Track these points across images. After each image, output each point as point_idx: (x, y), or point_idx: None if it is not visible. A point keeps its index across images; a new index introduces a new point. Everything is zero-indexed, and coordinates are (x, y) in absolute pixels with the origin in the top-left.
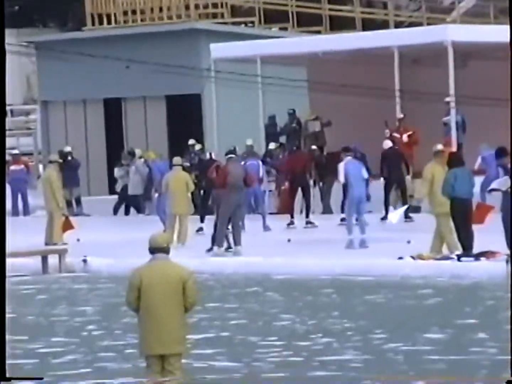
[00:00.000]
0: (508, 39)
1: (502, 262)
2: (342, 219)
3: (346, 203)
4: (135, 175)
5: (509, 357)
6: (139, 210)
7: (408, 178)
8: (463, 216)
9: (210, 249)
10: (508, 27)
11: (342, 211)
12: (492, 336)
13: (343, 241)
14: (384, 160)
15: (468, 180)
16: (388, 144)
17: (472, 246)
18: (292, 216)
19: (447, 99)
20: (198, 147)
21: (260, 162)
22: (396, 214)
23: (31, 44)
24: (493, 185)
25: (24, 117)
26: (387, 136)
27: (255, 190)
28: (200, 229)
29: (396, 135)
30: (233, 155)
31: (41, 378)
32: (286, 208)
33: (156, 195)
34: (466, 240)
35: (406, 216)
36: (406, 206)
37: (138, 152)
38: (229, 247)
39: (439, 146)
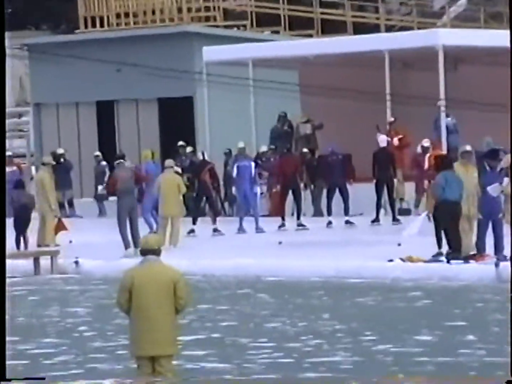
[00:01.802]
0: (497, 44)
1: (491, 265)
2: (329, 223)
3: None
4: None
5: (498, 359)
6: None
7: (395, 180)
8: (451, 219)
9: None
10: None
11: (329, 213)
12: (481, 338)
13: (334, 243)
14: (375, 162)
15: (457, 184)
16: (383, 139)
17: (460, 249)
18: (283, 219)
19: (438, 103)
20: (189, 149)
21: (253, 163)
22: (414, 227)
23: (24, 46)
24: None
25: (16, 119)
26: (378, 138)
27: (246, 191)
28: (192, 231)
29: (387, 138)
30: (121, 160)
31: (43, 378)
32: (278, 210)
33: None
34: (454, 242)
35: (394, 218)
36: (423, 216)
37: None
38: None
39: (468, 147)
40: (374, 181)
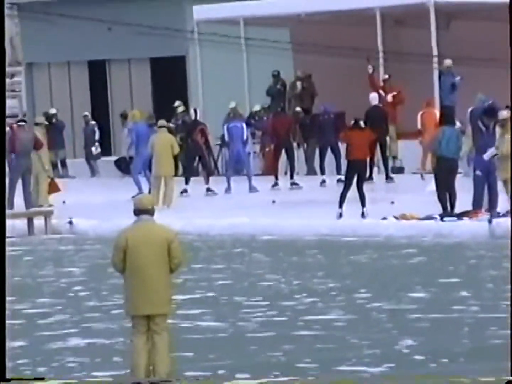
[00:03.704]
0: None
1: (484, 222)
2: (323, 181)
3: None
4: (127, 137)
5: (491, 315)
6: (128, 172)
7: (388, 138)
8: (445, 175)
9: None
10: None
11: (322, 172)
12: (474, 295)
13: (328, 202)
14: (367, 120)
15: (455, 140)
16: (375, 97)
17: (454, 206)
18: (276, 178)
19: (447, 61)
20: (181, 109)
21: (244, 124)
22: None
23: (14, 5)
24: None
25: (8, 79)
26: (370, 71)
27: (239, 152)
28: (185, 191)
29: (381, 92)
30: (22, 122)
31: (42, 379)
32: (271, 169)
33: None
34: (444, 200)
35: (388, 177)
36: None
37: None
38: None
39: (505, 113)
40: None
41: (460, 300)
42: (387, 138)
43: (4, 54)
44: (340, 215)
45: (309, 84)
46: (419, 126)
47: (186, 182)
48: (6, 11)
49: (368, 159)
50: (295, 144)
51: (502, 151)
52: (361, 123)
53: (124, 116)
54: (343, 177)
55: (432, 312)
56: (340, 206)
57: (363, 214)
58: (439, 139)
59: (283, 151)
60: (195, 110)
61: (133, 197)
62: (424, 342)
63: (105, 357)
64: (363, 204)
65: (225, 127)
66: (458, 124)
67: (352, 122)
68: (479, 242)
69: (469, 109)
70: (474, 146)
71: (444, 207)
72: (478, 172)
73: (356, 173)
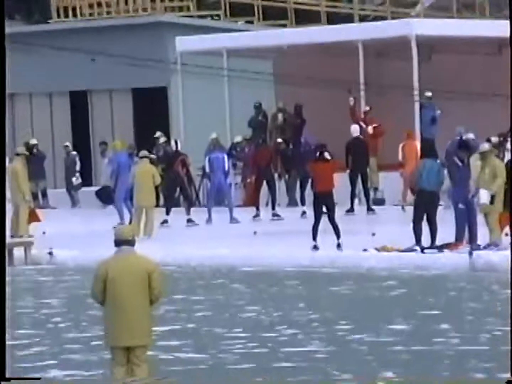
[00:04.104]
0: (470, 33)
1: (465, 254)
2: (303, 212)
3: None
4: (107, 166)
5: (472, 348)
6: (109, 202)
7: (369, 170)
8: (425, 207)
9: None
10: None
11: (303, 203)
12: (455, 327)
13: (308, 233)
14: (349, 151)
15: (436, 173)
16: (356, 129)
17: (435, 238)
18: (257, 209)
19: (427, 93)
20: (163, 139)
21: (225, 156)
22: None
23: None
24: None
25: None
26: (351, 103)
27: (220, 183)
28: (165, 221)
29: (362, 124)
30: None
31: (39, 378)
32: (252, 200)
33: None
34: (418, 232)
35: (369, 208)
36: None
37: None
38: None
39: (486, 146)
40: (348, 171)
41: (441, 332)
42: (368, 170)
43: (4, 53)
44: (315, 247)
45: (296, 115)
46: (400, 158)
47: (167, 213)
48: None
49: (333, 191)
50: (276, 176)
51: (481, 184)
52: (326, 155)
53: (104, 144)
54: (305, 209)
55: (413, 344)
56: (314, 239)
57: (339, 245)
58: (420, 171)
59: (264, 183)
60: (176, 141)
61: (114, 227)
62: (405, 374)
63: None
64: (337, 235)
65: (207, 158)
66: (439, 111)
67: (318, 154)
68: (460, 274)
69: (448, 143)
70: (450, 179)
71: (418, 239)
72: (460, 205)
73: (322, 205)
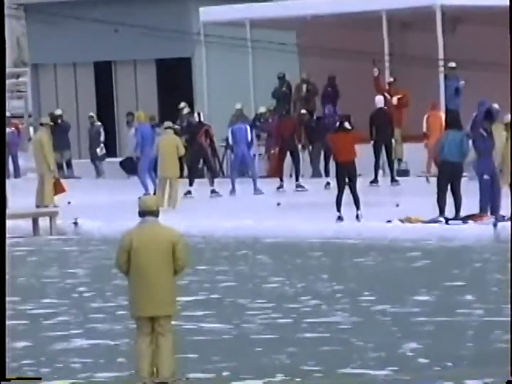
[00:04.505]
0: (496, 3)
1: (489, 225)
2: (327, 184)
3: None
4: (133, 137)
5: (496, 319)
6: (133, 172)
7: (393, 141)
8: (448, 178)
9: None
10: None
11: (327, 175)
12: (479, 298)
13: (332, 204)
14: (372, 123)
15: (458, 144)
16: (380, 100)
17: (459, 210)
18: (281, 180)
19: (451, 64)
20: (186, 110)
21: (248, 126)
22: None
23: (20, 6)
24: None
25: (14, 80)
26: (375, 74)
27: (243, 154)
28: (189, 192)
29: (386, 95)
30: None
31: (39, 378)
32: (276, 171)
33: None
34: (442, 204)
35: (393, 179)
36: None
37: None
38: None
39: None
40: (372, 142)
41: (465, 304)
42: (393, 141)
43: (4, 53)
44: (339, 218)
45: (330, 86)
46: (424, 129)
47: (190, 184)
48: (13, 11)
49: (355, 160)
50: (300, 147)
51: (508, 155)
52: (346, 125)
53: (131, 115)
54: (329, 180)
55: (437, 315)
56: (338, 210)
57: (357, 217)
58: (442, 142)
59: (288, 154)
60: (199, 113)
61: (138, 198)
62: (428, 346)
63: (109, 358)
64: (357, 206)
65: (230, 129)
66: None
67: (338, 124)
68: (484, 245)
69: (474, 114)
70: (476, 150)
71: (441, 211)
72: (486, 176)
73: (345, 175)
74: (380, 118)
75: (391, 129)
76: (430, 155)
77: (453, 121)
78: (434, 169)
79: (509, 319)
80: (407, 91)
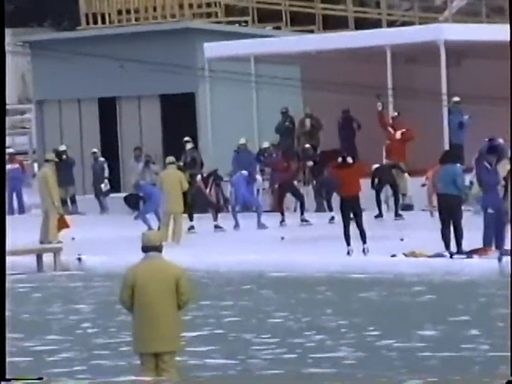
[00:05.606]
0: (500, 38)
1: (494, 259)
2: (332, 218)
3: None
4: (141, 172)
5: (501, 354)
6: (137, 208)
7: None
8: (446, 212)
9: None
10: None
11: (330, 210)
12: (484, 333)
13: (337, 238)
14: (375, 176)
15: (454, 177)
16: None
17: (460, 243)
18: (282, 214)
19: (455, 98)
20: (189, 146)
21: (248, 174)
22: None
23: (26, 43)
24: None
25: (19, 116)
26: (379, 109)
27: (245, 201)
28: (192, 227)
29: (390, 130)
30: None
31: (41, 378)
32: (277, 207)
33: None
34: (446, 237)
35: (397, 214)
36: None
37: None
38: None
39: None
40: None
41: (470, 339)
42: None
43: (4, 54)
44: (349, 252)
45: (347, 119)
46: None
47: (191, 219)
48: (19, 48)
49: (359, 195)
50: (303, 181)
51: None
52: (349, 159)
53: (138, 149)
54: (333, 214)
55: (442, 350)
56: (348, 244)
57: (364, 251)
58: (438, 176)
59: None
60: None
61: (142, 233)
62: (433, 381)
63: None
64: (363, 240)
65: (230, 181)
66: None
67: (340, 159)
68: (489, 280)
69: (479, 148)
70: (480, 184)
71: (446, 245)
72: (490, 210)
73: (349, 210)
74: (385, 172)
75: (397, 167)
76: (429, 189)
77: (451, 155)
78: (436, 203)
79: None
80: (410, 125)
